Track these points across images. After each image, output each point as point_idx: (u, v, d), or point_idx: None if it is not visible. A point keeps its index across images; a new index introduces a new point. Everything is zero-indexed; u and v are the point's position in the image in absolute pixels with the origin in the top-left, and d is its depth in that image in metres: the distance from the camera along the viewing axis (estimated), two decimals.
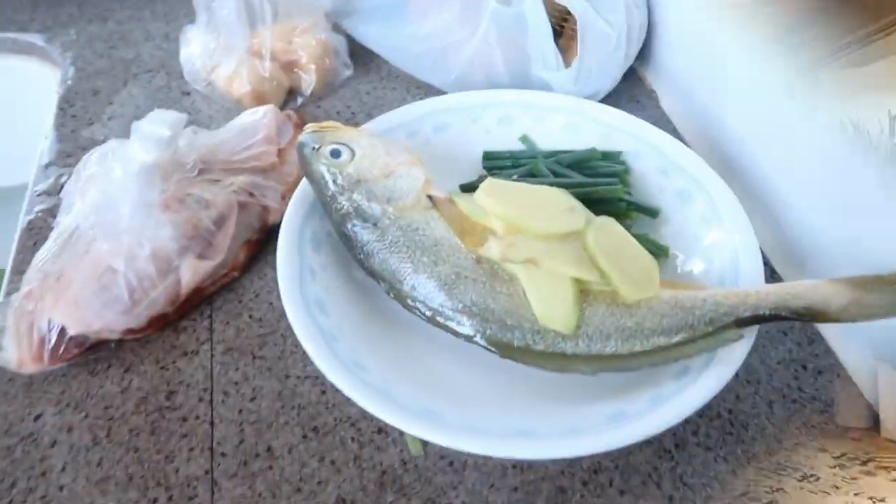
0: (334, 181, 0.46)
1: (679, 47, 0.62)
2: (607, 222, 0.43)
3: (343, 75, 0.65)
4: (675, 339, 0.40)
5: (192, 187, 0.47)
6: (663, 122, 0.63)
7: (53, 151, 0.59)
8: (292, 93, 0.64)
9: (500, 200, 0.43)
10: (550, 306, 0.41)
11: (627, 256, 0.42)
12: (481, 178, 0.54)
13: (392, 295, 0.44)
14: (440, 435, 0.37)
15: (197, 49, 0.63)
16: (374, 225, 0.45)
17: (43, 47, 0.72)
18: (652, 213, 0.50)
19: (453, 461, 0.40)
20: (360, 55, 0.68)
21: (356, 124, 0.62)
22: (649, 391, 0.39)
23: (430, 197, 0.46)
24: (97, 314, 0.42)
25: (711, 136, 0.58)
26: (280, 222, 0.51)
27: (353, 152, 0.46)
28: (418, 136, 0.54)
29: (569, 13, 0.58)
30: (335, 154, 0.46)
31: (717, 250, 0.46)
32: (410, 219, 0.45)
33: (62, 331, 0.42)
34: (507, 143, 0.55)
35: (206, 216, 0.46)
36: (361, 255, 0.45)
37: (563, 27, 0.58)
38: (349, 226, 0.45)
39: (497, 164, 0.54)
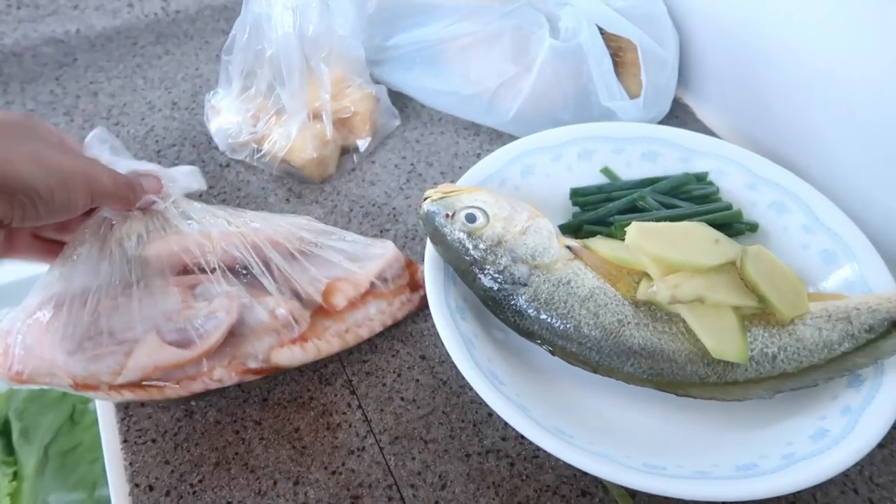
0: (475, 247, 0.44)
1: (711, 59, 0.65)
2: (759, 250, 0.44)
3: (392, 126, 0.63)
4: (840, 349, 0.42)
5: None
6: (706, 133, 0.65)
7: None
8: (344, 150, 0.61)
9: (653, 242, 0.44)
10: (721, 339, 0.42)
11: (779, 278, 0.44)
12: (576, 217, 0.54)
13: (554, 353, 0.43)
14: (665, 486, 0.37)
15: (233, 118, 0.59)
16: (524, 285, 0.44)
17: None
18: (752, 227, 0.52)
19: None
20: (396, 101, 0.66)
21: (419, 175, 0.60)
22: (838, 405, 0.41)
23: (568, 247, 0.46)
24: None
25: (756, 138, 0.62)
26: None
27: (486, 214, 0.45)
28: (508, 182, 0.54)
29: (622, 44, 0.59)
30: (471, 219, 0.45)
31: (831, 257, 0.49)
32: (560, 273, 0.44)
33: None
34: (589, 177, 0.56)
35: None
36: (515, 318, 0.44)
37: (620, 57, 0.59)
38: (497, 290, 0.44)
39: (586, 199, 0.54)
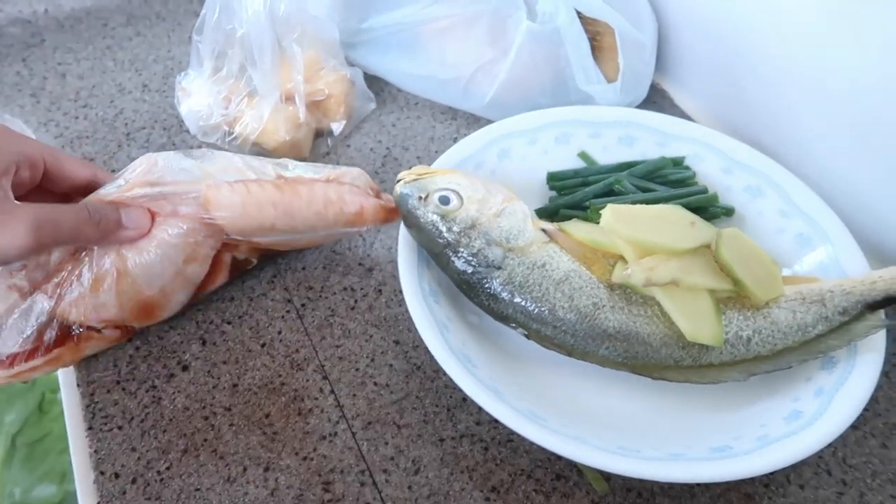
0: (449, 229, 0.44)
1: (689, 45, 0.65)
2: (735, 232, 0.44)
3: (367, 109, 0.62)
4: (814, 332, 0.42)
5: None
6: (683, 118, 0.65)
7: None
8: (318, 134, 0.60)
9: (628, 225, 0.43)
10: (696, 322, 0.42)
11: (754, 261, 0.44)
12: (552, 201, 0.54)
13: (529, 336, 0.43)
14: (639, 468, 0.37)
15: (204, 100, 0.58)
16: (498, 268, 0.43)
17: None
18: (728, 211, 0.52)
19: (641, 492, 0.40)
20: (371, 85, 0.65)
21: (394, 159, 0.60)
22: (811, 387, 0.41)
23: (543, 230, 0.45)
24: None
25: (733, 123, 0.62)
26: None
27: (460, 197, 0.45)
28: (484, 166, 0.53)
29: (599, 28, 0.59)
30: (444, 201, 0.44)
31: (806, 240, 0.49)
32: (535, 256, 0.44)
33: None
34: (566, 161, 0.55)
35: None
36: (489, 302, 0.44)
37: (598, 41, 0.59)
38: (471, 273, 0.44)
39: (563, 183, 0.54)
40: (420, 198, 0.44)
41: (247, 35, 0.52)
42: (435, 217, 0.44)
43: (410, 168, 0.48)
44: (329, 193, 0.45)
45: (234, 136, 0.56)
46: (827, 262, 0.47)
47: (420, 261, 0.46)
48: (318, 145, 0.60)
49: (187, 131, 0.61)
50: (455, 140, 0.61)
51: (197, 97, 0.58)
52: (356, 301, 0.49)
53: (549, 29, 0.57)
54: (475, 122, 0.63)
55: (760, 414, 0.41)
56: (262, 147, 0.56)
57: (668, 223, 0.44)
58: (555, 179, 0.54)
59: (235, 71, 0.56)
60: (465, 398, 0.44)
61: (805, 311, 0.43)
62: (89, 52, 0.69)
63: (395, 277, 0.50)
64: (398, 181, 0.46)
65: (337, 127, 0.59)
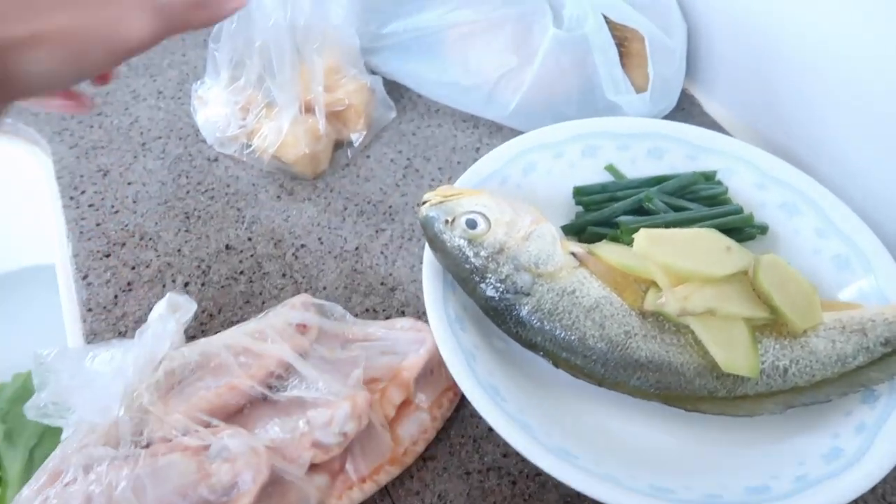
0: (476, 254, 0.42)
1: (719, 50, 0.63)
2: (773, 259, 0.42)
3: (387, 118, 0.61)
4: (854, 363, 0.41)
5: None
6: (713, 127, 0.63)
7: (81, 252, 0.51)
8: (338, 145, 0.59)
9: (662, 250, 0.42)
10: (732, 352, 0.40)
11: (792, 288, 0.42)
12: (579, 217, 0.52)
13: (557, 365, 0.42)
14: None
15: (221, 110, 0.56)
16: (527, 295, 0.42)
17: (10, 123, 0.62)
18: (762, 230, 0.50)
19: None
20: (391, 91, 0.63)
21: (415, 171, 0.58)
22: (852, 422, 0.40)
23: (572, 254, 0.44)
24: None
25: (765, 133, 0.60)
26: None
27: (488, 220, 0.43)
28: (509, 181, 0.51)
29: (626, 33, 0.56)
30: (471, 224, 0.43)
31: (844, 262, 0.47)
32: (565, 282, 0.42)
33: None
34: (593, 175, 0.53)
35: None
36: (517, 329, 0.42)
37: (625, 47, 0.57)
38: (498, 299, 0.42)
39: (590, 199, 0.52)
40: (446, 221, 0.43)
41: (265, 46, 0.51)
42: (462, 241, 0.43)
43: (433, 182, 0.46)
44: (437, 423, 0.43)
45: (252, 148, 0.55)
46: (867, 288, 0.45)
47: (445, 285, 0.44)
48: (337, 156, 0.58)
49: (204, 141, 0.59)
50: (478, 150, 0.60)
51: (214, 107, 0.57)
52: None
53: (576, 36, 0.55)
54: (498, 130, 0.61)
55: (798, 450, 0.40)
56: (281, 160, 0.54)
57: (703, 248, 0.43)
58: (582, 194, 0.53)
59: (253, 81, 0.54)
60: (491, 429, 0.42)
61: (845, 341, 0.41)
62: None
63: (419, 297, 0.49)
64: (423, 202, 0.44)
65: (357, 137, 0.58)
